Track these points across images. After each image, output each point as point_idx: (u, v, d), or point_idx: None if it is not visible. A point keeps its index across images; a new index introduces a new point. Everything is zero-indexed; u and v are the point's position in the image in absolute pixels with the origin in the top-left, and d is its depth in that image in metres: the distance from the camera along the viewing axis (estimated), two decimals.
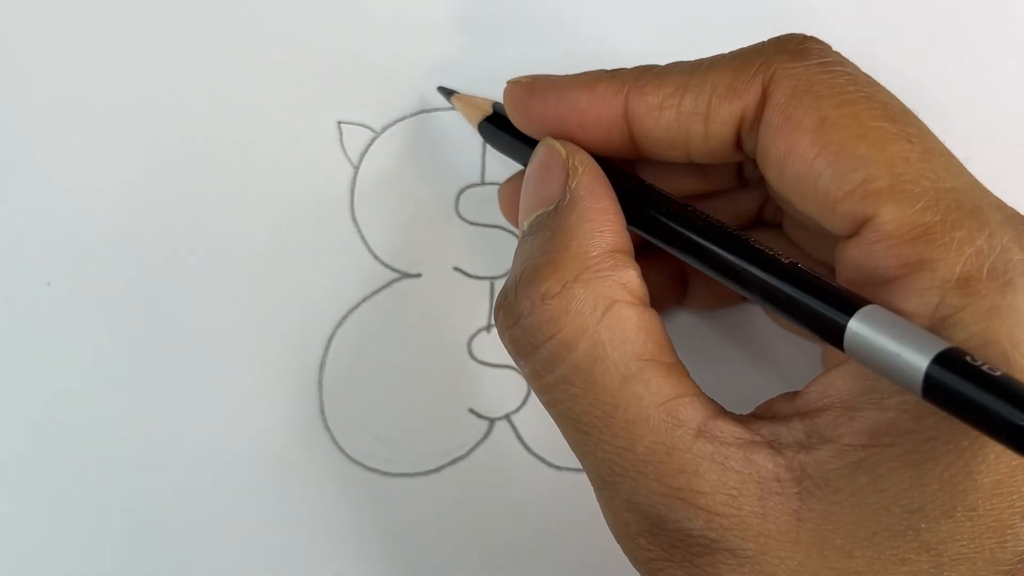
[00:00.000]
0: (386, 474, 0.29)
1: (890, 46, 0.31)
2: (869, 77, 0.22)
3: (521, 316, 0.22)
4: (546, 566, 0.29)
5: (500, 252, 0.30)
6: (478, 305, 0.30)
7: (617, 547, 0.29)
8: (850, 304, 0.20)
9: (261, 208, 0.30)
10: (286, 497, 0.29)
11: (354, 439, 0.29)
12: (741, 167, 0.27)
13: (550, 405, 0.23)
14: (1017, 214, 0.20)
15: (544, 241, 0.23)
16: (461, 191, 0.30)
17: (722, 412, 0.22)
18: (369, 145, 0.31)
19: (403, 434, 0.29)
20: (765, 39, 0.23)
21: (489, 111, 0.28)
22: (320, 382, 0.29)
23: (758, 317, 0.30)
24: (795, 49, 0.22)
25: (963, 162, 0.24)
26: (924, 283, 0.19)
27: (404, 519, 0.29)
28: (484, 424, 0.29)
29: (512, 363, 0.29)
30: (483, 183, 0.30)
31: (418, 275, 0.30)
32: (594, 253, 0.22)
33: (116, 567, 0.29)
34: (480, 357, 0.30)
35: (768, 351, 0.30)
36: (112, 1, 0.32)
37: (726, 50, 0.24)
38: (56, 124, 0.31)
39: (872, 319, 0.19)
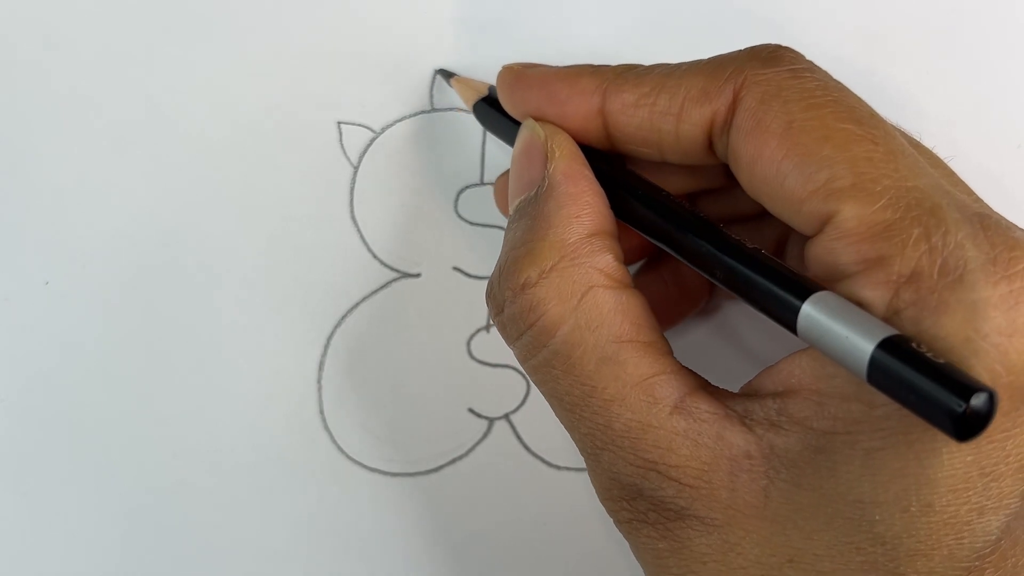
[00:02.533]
0: (386, 474, 0.29)
1: (889, 47, 0.31)
2: (839, 83, 0.23)
3: (504, 305, 0.23)
4: (545, 565, 0.29)
5: (499, 252, 0.30)
6: (477, 305, 0.30)
7: (615, 546, 0.29)
8: (805, 289, 0.20)
9: (261, 208, 0.30)
10: (286, 497, 0.29)
11: (354, 439, 0.29)
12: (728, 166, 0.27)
13: (538, 385, 0.24)
14: (979, 212, 0.21)
15: (524, 230, 0.24)
16: (461, 191, 0.30)
17: (701, 387, 0.22)
18: (369, 145, 0.31)
19: (403, 434, 0.29)
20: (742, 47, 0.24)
21: (485, 92, 0.28)
22: (320, 382, 0.29)
23: None
24: (767, 56, 0.23)
25: (946, 160, 0.24)
26: (879, 278, 0.20)
27: (404, 519, 0.29)
28: (483, 424, 0.29)
29: (512, 363, 0.29)
30: (482, 183, 0.30)
31: (417, 275, 0.30)
32: (571, 240, 0.23)
33: (116, 566, 0.29)
34: (479, 357, 0.30)
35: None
36: (112, 1, 0.32)
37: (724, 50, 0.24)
38: (56, 124, 0.31)
39: (824, 304, 0.20)
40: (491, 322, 0.30)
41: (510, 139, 0.27)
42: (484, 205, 0.30)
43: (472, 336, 0.30)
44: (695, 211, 0.23)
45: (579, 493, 0.29)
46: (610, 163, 0.25)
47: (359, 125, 0.31)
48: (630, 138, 0.24)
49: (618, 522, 0.23)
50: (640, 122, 0.24)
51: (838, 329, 0.19)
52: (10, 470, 0.29)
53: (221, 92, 0.31)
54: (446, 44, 0.31)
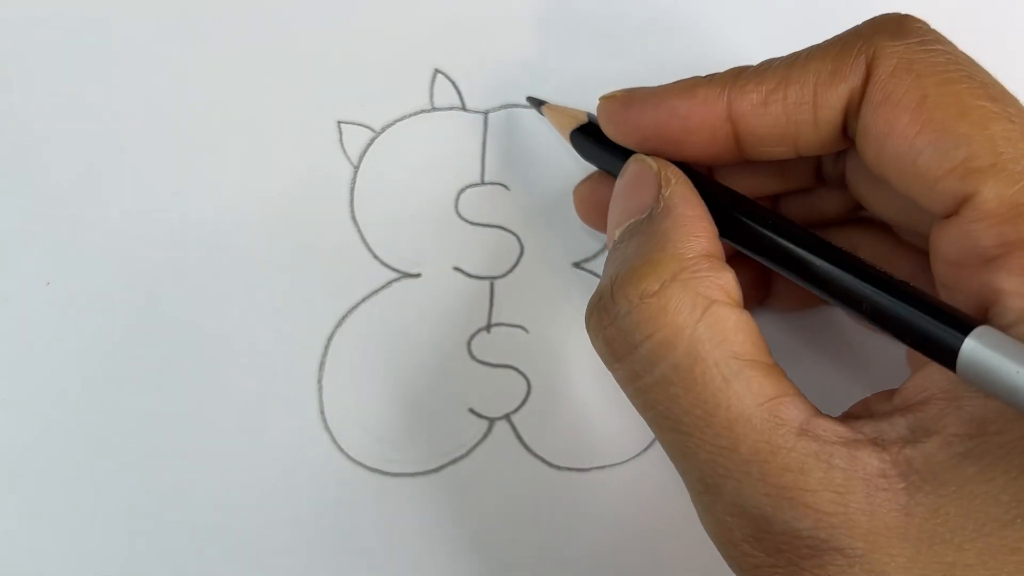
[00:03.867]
0: (386, 474, 0.29)
1: None
2: (969, 57, 0.22)
3: (618, 316, 0.22)
4: (545, 565, 0.29)
5: (500, 252, 0.30)
6: (478, 305, 0.30)
7: (614, 547, 0.29)
8: (962, 324, 0.19)
9: (261, 208, 0.30)
10: (286, 497, 0.29)
11: (354, 439, 0.29)
12: (820, 164, 0.27)
13: (647, 407, 0.22)
14: None
15: (639, 244, 0.23)
16: (461, 191, 0.30)
17: (820, 412, 0.22)
18: (369, 145, 0.31)
19: (403, 434, 0.29)
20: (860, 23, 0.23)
21: (583, 120, 0.28)
22: (320, 382, 0.29)
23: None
24: (895, 28, 0.22)
25: None
26: (1023, 263, 0.20)
27: (404, 519, 0.29)
28: (484, 424, 0.29)
29: (511, 363, 0.29)
30: (483, 183, 0.30)
31: (418, 275, 0.30)
32: (690, 255, 0.22)
33: (115, 566, 0.29)
34: (480, 357, 0.30)
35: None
36: (112, 1, 0.32)
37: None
38: (56, 124, 0.31)
39: (987, 339, 0.19)
40: (494, 328, 0.30)
41: (610, 165, 0.26)
42: (484, 205, 0.30)
43: (472, 336, 0.30)
44: (828, 241, 0.22)
45: (579, 493, 0.29)
46: (726, 193, 0.24)
47: (359, 125, 0.31)
48: (762, 139, 0.24)
49: (741, 569, 0.22)
50: (774, 119, 0.23)
51: (1007, 365, 0.18)
52: (10, 470, 0.29)
53: (221, 92, 0.31)
54: (446, 44, 0.31)
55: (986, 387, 0.19)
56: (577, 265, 0.30)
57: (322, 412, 0.29)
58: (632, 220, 0.24)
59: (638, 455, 0.29)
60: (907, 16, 0.23)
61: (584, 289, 0.30)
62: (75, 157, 0.31)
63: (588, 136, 0.27)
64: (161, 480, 0.29)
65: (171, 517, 0.29)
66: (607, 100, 0.26)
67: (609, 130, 0.26)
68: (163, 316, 0.30)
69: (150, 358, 0.30)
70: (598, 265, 0.30)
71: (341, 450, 0.29)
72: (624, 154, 0.26)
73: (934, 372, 0.21)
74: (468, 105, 0.31)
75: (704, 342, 0.21)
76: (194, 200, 0.30)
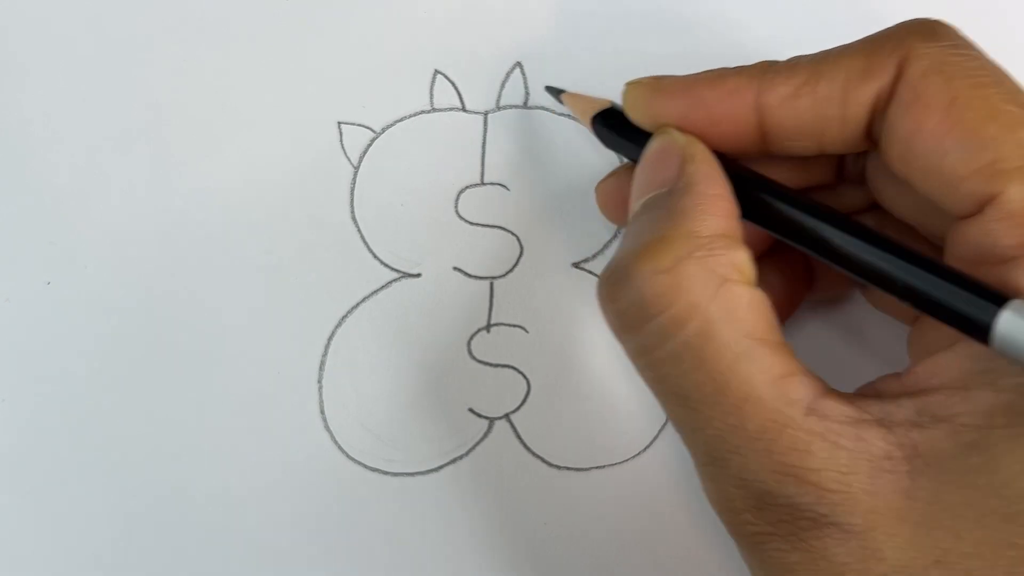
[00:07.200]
0: (386, 474, 0.29)
1: None
2: (998, 64, 0.22)
3: (631, 289, 0.22)
4: (546, 566, 0.29)
5: (500, 252, 0.30)
6: (478, 305, 0.30)
7: (613, 547, 0.29)
8: (995, 297, 0.20)
9: (261, 208, 0.30)
10: (286, 497, 0.29)
11: (354, 439, 0.29)
12: (842, 162, 0.27)
13: (657, 381, 0.23)
14: None
15: (657, 219, 0.23)
16: (461, 191, 0.30)
17: (830, 391, 0.22)
18: (369, 145, 0.31)
19: (403, 434, 0.29)
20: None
21: (605, 106, 0.27)
22: (320, 382, 0.29)
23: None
24: (927, 32, 0.23)
25: None
26: None
27: (404, 519, 0.29)
28: (483, 424, 0.29)
29: (511, 363, 0.29)
30: (483, 183, 0.30)
31: (418, 275, 0.30)
32: (706, 233, 0.22)
33: (116, 566, 0.29)
34: (480, 357, 0.30)
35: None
36: (112, 1, 0.32)
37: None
38: (56, 124, 0.31)
39: (1022, 312, 0.19)
40: (494, 328, 0.30)
41: (631, 152, 0.26)
42: (484, 205, 0.30)
43: (472, 336, 0.30)
44: (859, 222, 0.23)
45: (579, 493, 0.29)
46: (751, 173, 0.24)
47: (359, 125, 0.31)
48: (788, 133, 0.24)
49: (740, 536, 0.22)
50: (802, 113, 0.23)
51: None
52: (10, 470, 0.29)
53: (221, 92, 0.31)
54: (446, 44, 0.31)
55: (1020, 358, 0.19)
56: (577, 265, 0.30)
57: (322, 412, 0.29)
58: (653, 193, 0.24)
59: (638, 455, 0.29)
60: (939, 22, 0.23)
61: (584, 289, 0.30)
62: (75, 157, 0.31)
63: (610, 122, 0.27)
64: (161, 479, 0.29)
65: (171, 516, 0.29)
66: (634, 86, 0.26)
67: (636, 116, 0.26)
68: (163, 316, 0.30)
69: (150, 358, 0.30)
70: (598, 265, 0.30)
71: (341, 450, 0.29)
72: (645, 139, 0.25)
73: (948, 359, 0.21)
74: (468, 105, 0.31)
75: (716, 320, 0.21)
76: (194, 200, 0.30)
